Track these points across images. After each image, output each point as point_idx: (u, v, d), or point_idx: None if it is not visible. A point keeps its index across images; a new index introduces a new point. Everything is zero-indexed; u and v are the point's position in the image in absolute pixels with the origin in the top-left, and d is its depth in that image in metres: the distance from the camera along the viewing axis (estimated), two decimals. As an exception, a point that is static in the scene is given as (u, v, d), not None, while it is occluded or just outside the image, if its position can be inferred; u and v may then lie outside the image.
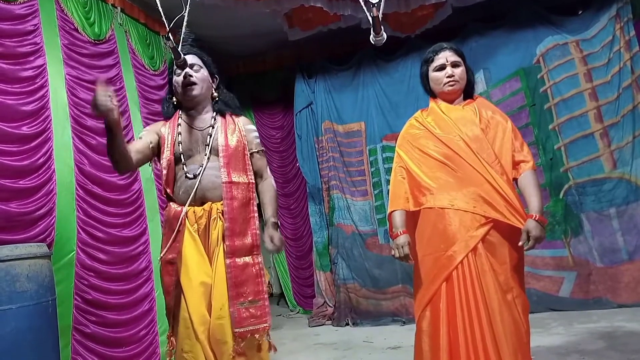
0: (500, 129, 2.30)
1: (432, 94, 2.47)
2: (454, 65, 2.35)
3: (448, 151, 2.29)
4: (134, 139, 3.81)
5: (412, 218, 2.39)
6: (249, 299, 2.12)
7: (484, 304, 2.11)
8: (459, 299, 2.15)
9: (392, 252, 2.37)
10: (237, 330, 2.08)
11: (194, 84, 2.26)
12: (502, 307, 2.11)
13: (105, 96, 1.85)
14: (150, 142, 2.28)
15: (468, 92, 2.44)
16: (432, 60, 2.40)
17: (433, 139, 2.34)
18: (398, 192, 2.40)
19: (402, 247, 2.30)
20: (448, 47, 2.39)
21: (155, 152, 2.32)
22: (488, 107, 2.40)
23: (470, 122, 2.31)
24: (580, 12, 5.01)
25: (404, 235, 2.33)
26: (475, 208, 2.19)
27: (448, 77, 2.35)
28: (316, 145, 5.70)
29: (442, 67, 2.36)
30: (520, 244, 2.13)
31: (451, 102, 2.41)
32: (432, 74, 2.40)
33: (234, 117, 2.36)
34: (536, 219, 2.13)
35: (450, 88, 2.36)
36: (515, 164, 2.27)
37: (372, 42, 1.99)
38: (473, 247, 2.16)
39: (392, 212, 2.39)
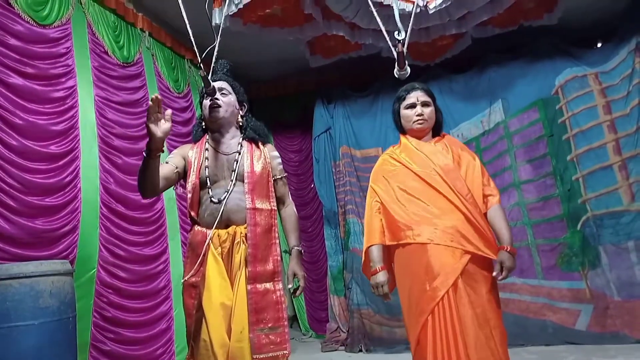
0: (470, 165, 2.42)
1: (402, 130, 2.58)
2: (424, 104, 2.48)
3: (425, 186, 2.37)
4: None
5: (388, 252, 2.44)
6: (269, 325, 2.14)
7: (462, 337, 2.14)
8: (440, 332, 2.18)
9: (372, 290, 2.42)
10: (256, 356, 2.09)
11: (219, 106, 2.31)
12: (478, 341, 2.14)
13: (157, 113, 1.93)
14: (176, 168, 2.31)
15: (436, 131, 2.55)
16: (404, 99, 2.52)
17: (410, 175, 2.42)
18: (375, 226, 2.44)
19: (382, 286, 2.36)
20: (420, 88, 2.51)
21: (181, 176, 2.36)
22: (456, 144, 2.53)
23: (443, 156, 2.41)
24: (599, 45, 5.04)
25: (382, 273, 2.38)
26: (452, 242, 2.24)
27: (418, 115, 2.47)
28: (333, 170, 5.74)
29: (412, 106, 2.49)
30: (494, 274, 2.22)
31: (419, 139, 2.51)
32: (403, 112, 2.52)
33: (260, 143, 2.41)
34: (508, 250, 2.25)
35: (419, 126, 2.48)
36: (484, 197, 2.38)
37: (396, 76, 2.06)
38: (454, 282, 2.19)
39: (370, 247, 2.43)
